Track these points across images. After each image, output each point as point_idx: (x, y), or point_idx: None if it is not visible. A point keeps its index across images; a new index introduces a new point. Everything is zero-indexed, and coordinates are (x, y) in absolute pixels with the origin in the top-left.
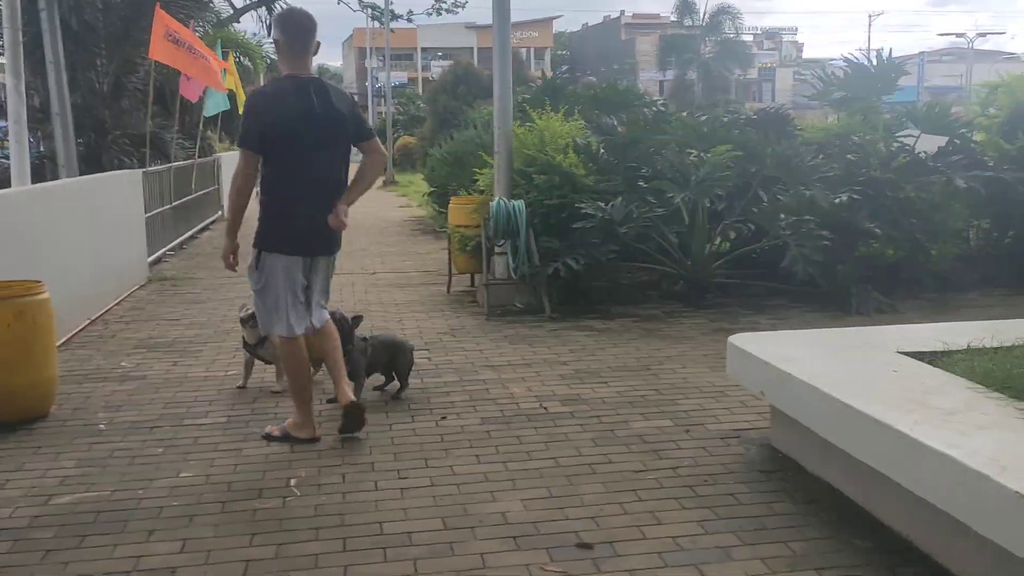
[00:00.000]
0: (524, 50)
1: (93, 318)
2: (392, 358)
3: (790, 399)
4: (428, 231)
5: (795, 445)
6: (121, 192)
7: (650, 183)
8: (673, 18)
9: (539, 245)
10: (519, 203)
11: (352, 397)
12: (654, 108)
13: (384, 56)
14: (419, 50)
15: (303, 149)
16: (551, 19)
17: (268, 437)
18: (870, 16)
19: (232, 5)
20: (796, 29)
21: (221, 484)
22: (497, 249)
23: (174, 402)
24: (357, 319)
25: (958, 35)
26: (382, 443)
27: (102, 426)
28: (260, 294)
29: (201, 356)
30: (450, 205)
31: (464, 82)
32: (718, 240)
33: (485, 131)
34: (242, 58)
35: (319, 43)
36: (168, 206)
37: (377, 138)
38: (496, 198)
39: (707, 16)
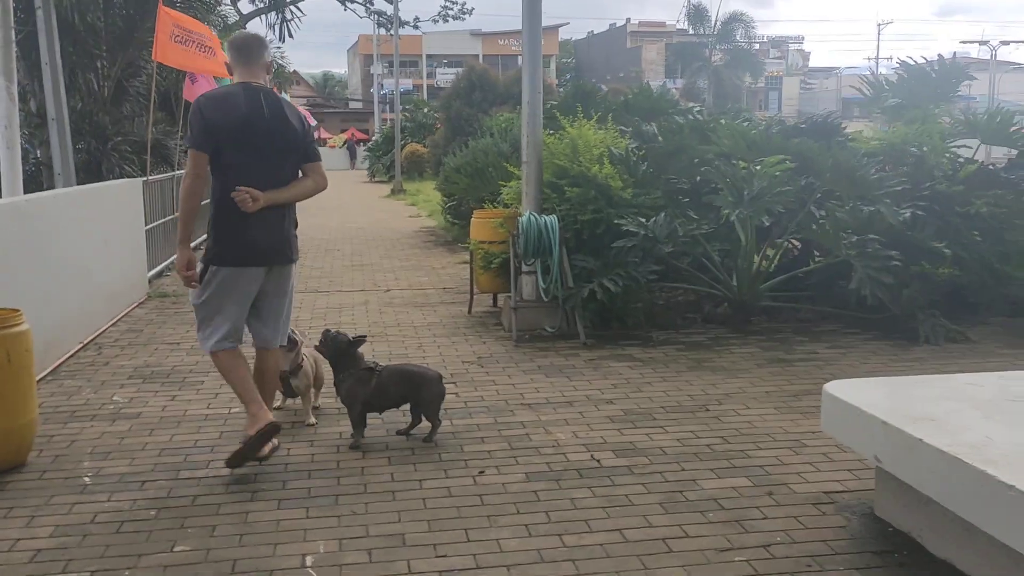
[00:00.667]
0: None
1: (85, 342)
2: (414, 391)
3: (921, 472)
4: (441, 243)
5: (912, 518)
6: (119, 203)
7: (695, 197)
8: (680, 26)
9: (572, 264)
10: (551, 218)
11: (262, 424)
12: (690, 115)
13: (393, 63)
14: (424, 57)
15: (250, 153)
16: (557, 27)
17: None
18: (879, 25)
19: (238, 11)
20: (802, 38)
21: (224, 562)
22: (525, 268)
23: (170, 448)
24: (359, 339)
25: (981, 43)
26: (413, 507)
27: (87, 479)
28: (201, 307)
29: (202, 388)
30: (472, 219)
31: (479, 88)
32: (762, 259)
33: (502, 139)
34: None
35: (272, 62)
36: (170, 217)
37: (321, 164)
38: (525, 212)
39: (719, 24)
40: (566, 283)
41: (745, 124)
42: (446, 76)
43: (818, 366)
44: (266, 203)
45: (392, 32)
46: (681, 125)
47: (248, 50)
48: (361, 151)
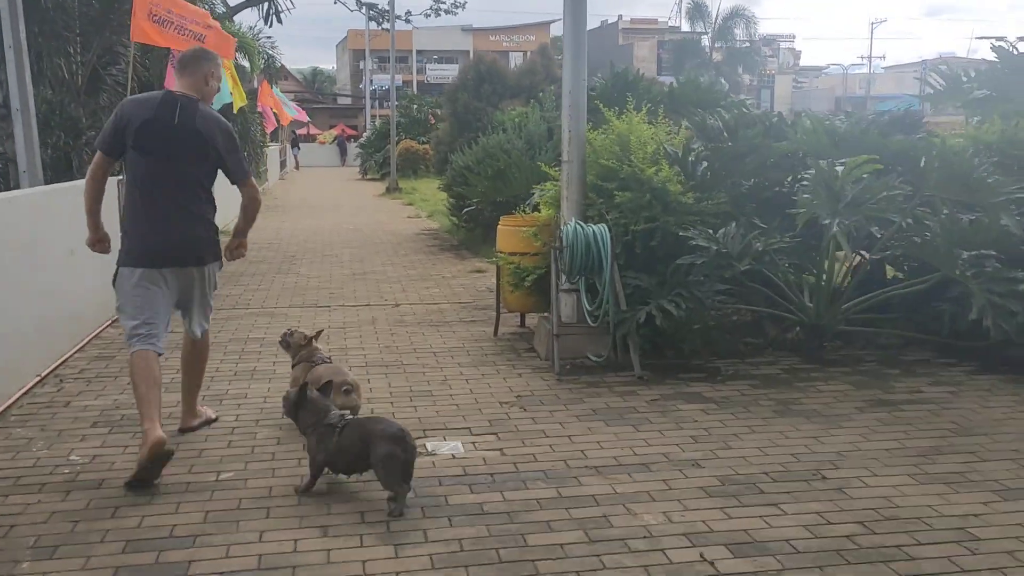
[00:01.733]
0: (520, 53)
1: (44, 374)
2: (365, 451)
3: None
4: (448, 247)
5: None
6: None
7: (762, 203)
8: (672, 23)
9: (624, 282)
10: (601, 228)
11: (195, 422)
12: (743, 108)
13: (382, 58)
14: (414, 53)
15: (151, 157)
16: (548, 23)
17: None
18: (872, 23)
19: (225, 3)
20: (794, 36)
21: None
22: (565, 285)
23: (139, 538)
24: (326, 387)
25: (997, 39)
26: None
27: None
28: (121, 307)
29: (185, 440)
30: (499, 227)
31: (488, 80)
32: (846, 276)
33: (517, 135)
34: (238, 55)
35: (214, 74)
36: None
37: (250, 176)
38: (570, 222)
39: (719, 20)
40: (619, 306)
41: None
42: (436, 72)
43: (933, 411)
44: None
45: (383, 27)
46: (755, 119)
47: (186, 61)
48: (352, 148)
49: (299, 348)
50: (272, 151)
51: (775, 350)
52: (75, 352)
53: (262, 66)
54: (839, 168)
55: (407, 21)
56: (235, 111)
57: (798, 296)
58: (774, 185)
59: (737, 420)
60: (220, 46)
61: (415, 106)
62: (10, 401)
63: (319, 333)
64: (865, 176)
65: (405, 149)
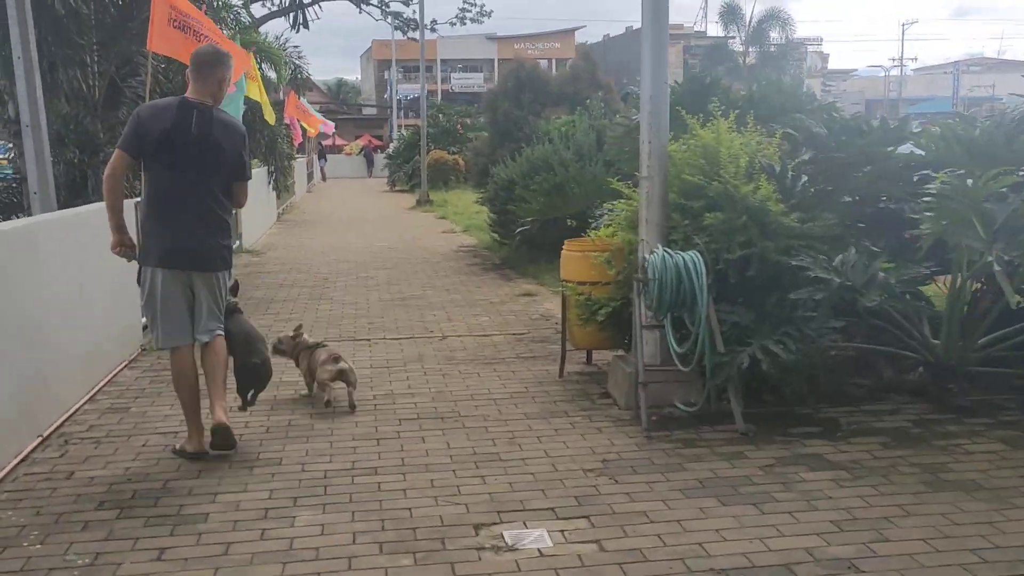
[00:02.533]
0: (545, 61)
1: (46, 434)
2: None
3: None
4: (490, 266)
5: None
6: (101, 233)
7: (872, 223)
8: (698, 28)
9: (717, 318)
10: (692, 257)
11: (223, 419)
12: (833, 113)
13: (407, 68)
14: (439, 62)
15: (170, 165)
16: (573, 30)
17: (174, 451)
18: (903, 25)
19: (250, 14)
20: (821, 39)
21: None
22: (647, 320)
23: None
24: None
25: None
26: None
27: None
28: (144, 308)
29: (206, 530)
30: (564, 252)
31: (529, 87)
32: (981, 308)
33: (564, 145)
34: (264, 65)
35: (227, 79)
36: None
37: (247, 185)
38: (656, 249)
39: (753, 23)
40: (716, 348)
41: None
42: (461, 81)
43: None
44: None
45: (408, 36)
46: (871, 127)
47: (201, 67)
48: (380, 158)
49: (292, 345)
50: (299, 163)
51: (892, 394)
52: (84, 403)
53: (289, 77)
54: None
55: (433, 30)
56: (272, 122)
57: (919, 330)
58: (877, 200)
59: (880, 496)
60: (237, 61)
61: (442, 115)
62: (4, 472)
63: (299, 327)
64: (1006, 190)
65: (435, 160)
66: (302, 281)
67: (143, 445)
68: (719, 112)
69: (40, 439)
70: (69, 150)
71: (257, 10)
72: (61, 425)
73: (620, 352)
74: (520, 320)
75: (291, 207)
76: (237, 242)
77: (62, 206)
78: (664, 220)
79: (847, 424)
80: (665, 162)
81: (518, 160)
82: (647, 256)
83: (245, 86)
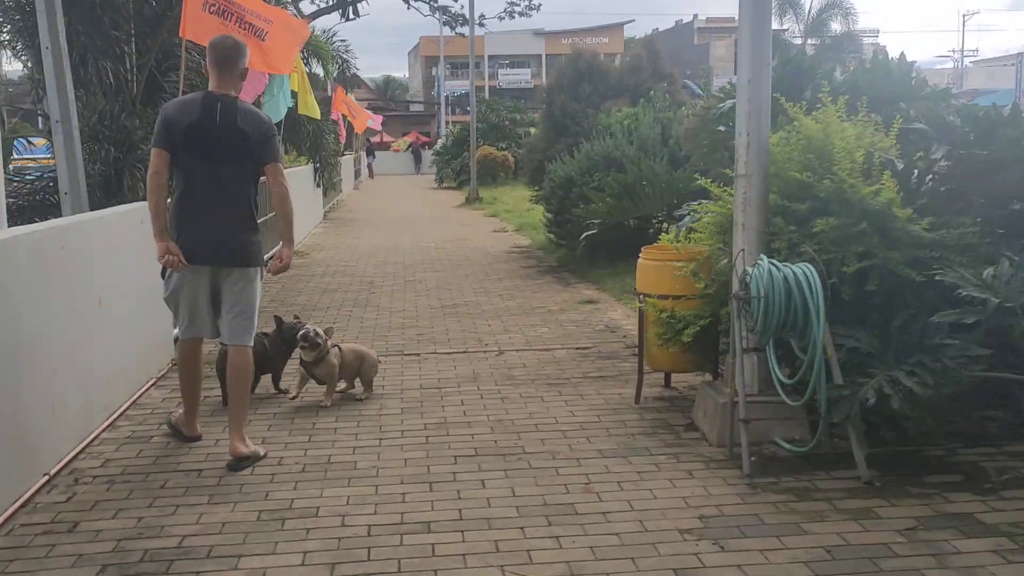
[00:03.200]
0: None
1: (54, 471)
2: None
3: None
4: (545, 269)
5: None
6: (127, 238)
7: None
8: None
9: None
10: (805, 270)
11: (241, 450)
12: (951, 101)
13: (454, 64)
14: (486, 57)
15: (197, 159)
16: (622, 24)
17: (168, 425)
18: (963, 16)
19: (299, 11)
20: (878, 31)
21: None
22: (745, 342)
23: None
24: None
25: None
26: None
27: None
28: (168, 300)
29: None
30: (641, 260)
31: (589, 79)
32: None
33: (627, 140)
34: (310, 59)
35: (247, 69)
36: None
37: (279, 165)
38: (760, 260)
39: (812, 13)
40: (834, 380)
41: None
42: (508, 76)
43: None
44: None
45: (456, 31)
46: (1009, 115)
47: (221, 60)
48: (427, 155)
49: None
50: (346, 160)
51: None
52: (102, 430)
53: (336, 73)
54: None
55: (481, 24)
56: (316, 116)
57: None
58: (1010, 202)
59: None
60: (288, 37)
61: (492, 111)
62: (1, 519)
63: (329, 329)
64: None
65: (484, 156)
66: (347, 285)
67: (162, 487)
68: (828, 98)
69: (47, 477)
70: (103, 147)
71: (306, 7)
72: (74, 458)
73: (707, 376)
74: (583, 331)
75: (338, 205)
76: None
77: (96, 207)
78: (764, 226)
79: (996, 473)
80: (766, 158)
81: (576, 156)
82: (748, 269)
83: (288, 78)
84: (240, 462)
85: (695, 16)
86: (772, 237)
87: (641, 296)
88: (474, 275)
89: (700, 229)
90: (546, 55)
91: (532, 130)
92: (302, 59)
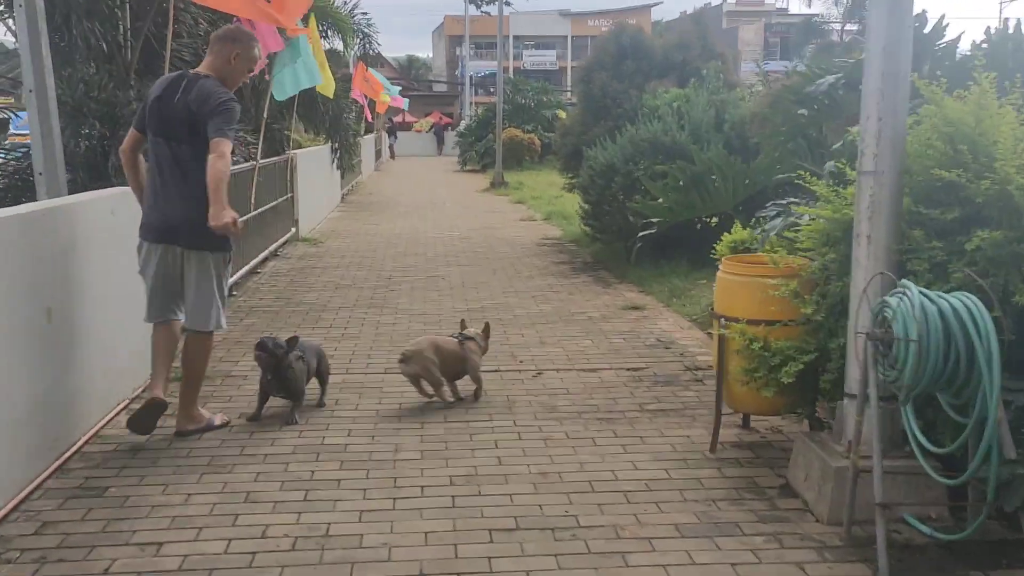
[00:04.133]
0: None
1: (15, 503)
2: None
3: None
4: (580, 265)
5: None
6: (93, 231)
7: None
8: (780, 4)
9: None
10: (966, 302)
11: (159, 395)
12: None
13: (479, 44)
14: (511, 38)
15: (154, 135)
16: (649, 6)
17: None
18: (1000, 2)
19: None
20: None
21: None
22: (860, 388)
23: None
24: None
25: None
26: None
27: None
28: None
29: None
30: (722, 275)
31: (632, 56)
32: None
33: (678, 124)
34: (328, 33)
35: (240, 55)
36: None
37: (220, 140)
38: (907, 291)
39: None
40: (1005, 453)
41: None
42: (533, 58)
43: None
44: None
45: (482, 9)
46: None
47: (213, 41)
48: (451, 136)
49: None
50: (367, 141)
51: None
52: (49, 475)
53: (356, 46)
54: None
55: (507, 3)
56: (329, 94)
57: None
58: None
59: None
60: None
61: (523, 90)
62: None
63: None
64: None
65: (509, 139)
66: (362, 280)
67: (105, 572)
68: (983, 74)
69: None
70: (89, 123)
71: None
72: (5, 516)
73: (802, 422)
74: (632, 346)
75: (357, 187)
76: (293, 230)
77: (78, 189)
78: (896, 239)
79: None
80: (903, 150)
81: (619, 141)
82: (889, 301)
83: (312, 53)
84: (151, 409)
85: (724, 0)
86: (907, 255)
87: (721, 319)
88: (503, 271)
89: (803, 237)
90: (572, 36)
91: (560, 113)
92: (320, 33)
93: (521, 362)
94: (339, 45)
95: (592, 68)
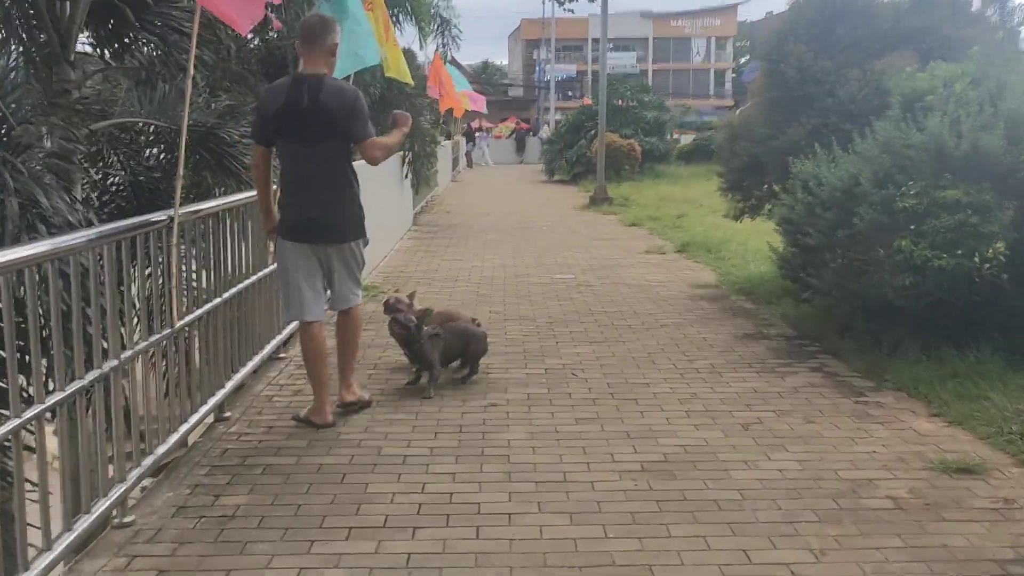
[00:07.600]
0: (703, 40)
1: None
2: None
3: None
4: (777, 338)
5: None
6: None
7: None
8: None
9: None
10: None
11: (348, 399)
12: None
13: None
14: (590, 41)
15: (289, 142)
16: (735, 6)
17: (295, 418)
18: None
19: None
20: None
21: None
22: None
23: None
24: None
25: None
26: None
27: None
28: (280, 282)
29: None
30: None
31: (846, 20)
32: None
33: (975, 123)
34: (400, 19)
35: (336, 44)
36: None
37: (372, 140)
38: None
39: None
40: None
41: None
42: (613, 60)
43: None
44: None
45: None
46: None
47: (307, 37)
48: (534, 141)
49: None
50: (444, 149)
51: None
52: None
53: (434, 33)
54: None
55: (590, 0)
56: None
57: None
58: None
59: None
60: None
61: (621, 91)
62: None
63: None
64: None
65: (610, 144)
66: (440, 402)
67: None
68: None
69: None
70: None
71: None
72: None
73: None
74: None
75: (432, 203)
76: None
77: None
78: None
79: None
80: None
81: (861, 148)
82: None
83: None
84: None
85: None
86: None
87: None
88: (661, 353)
89: None
90: (654, 38)
91: (655, 115)
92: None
93: None
94: (411, 34)
95: (784, 38)
